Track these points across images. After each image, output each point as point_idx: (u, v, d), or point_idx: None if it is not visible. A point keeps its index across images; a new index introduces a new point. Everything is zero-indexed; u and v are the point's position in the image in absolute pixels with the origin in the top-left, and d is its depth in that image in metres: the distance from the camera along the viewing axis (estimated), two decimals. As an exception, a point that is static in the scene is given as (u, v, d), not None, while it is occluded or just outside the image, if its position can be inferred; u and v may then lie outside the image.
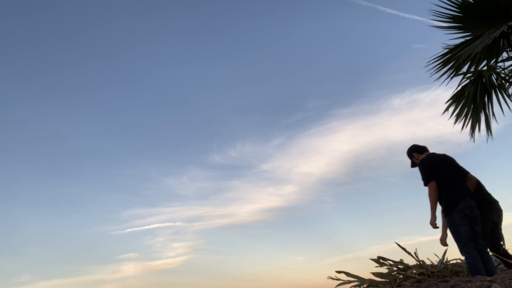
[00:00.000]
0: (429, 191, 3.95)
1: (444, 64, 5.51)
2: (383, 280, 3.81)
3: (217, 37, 16.12)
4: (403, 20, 13.05)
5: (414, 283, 3.59)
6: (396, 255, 4.21)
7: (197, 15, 15.59)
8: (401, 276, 3.79)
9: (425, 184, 4.02)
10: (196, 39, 15.74)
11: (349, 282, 3.88)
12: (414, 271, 3.89)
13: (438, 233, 4.14)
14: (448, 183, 3.98)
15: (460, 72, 5.66)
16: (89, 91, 15.60)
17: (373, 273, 3.88)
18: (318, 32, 15.70)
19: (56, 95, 15.23)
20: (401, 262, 4.06)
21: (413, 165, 4.46)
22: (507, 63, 5.69)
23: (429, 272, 3.86)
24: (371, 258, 4.16)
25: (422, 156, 4.29)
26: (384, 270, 4.03)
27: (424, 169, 4.07)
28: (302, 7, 15.53)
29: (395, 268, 3.96)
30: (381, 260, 4.09)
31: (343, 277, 3.92)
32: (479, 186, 4.22)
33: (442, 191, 3.98)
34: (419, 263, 4.09)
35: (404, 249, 4.16)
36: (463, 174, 4.17)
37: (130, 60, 15.74)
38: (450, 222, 3.91)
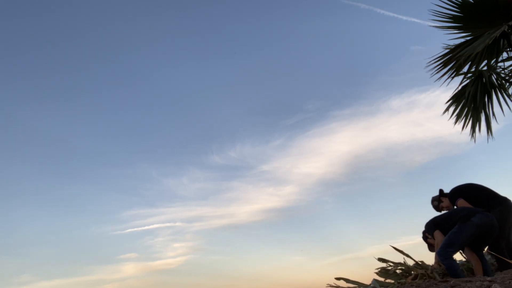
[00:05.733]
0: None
1: (445, 64, 5.50)
2: (388, 281, 3.74)
3: (217, 38, 16.14)
4: (401, 22, 13.08)
5: (415, 282, 3.58)
6: (395, 256, 4.16)
7: (196, 16, 15.61)
8: (406, 274, 3.77)
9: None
10: (196, 40, 15.76)
11: None
12: (414, 272, 3.87)
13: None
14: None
15: (461, 72, 5.66)
16: (90, 92, 15.63)
17: (377, 273, 3.83)
18: (318, 33, 15.74)
19: (56, 96, 15.26)
20: (402, 263, 4.03)
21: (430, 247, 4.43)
22: (507, 63, 5.71)
23: (429, 272, 3.85)
24: (378, 257, 4.04)
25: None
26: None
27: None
28: (301, 8, 15.56)
29: (398, 268, 3.94)
30: (382, 262, 4.05)
31: (343, 284, 3.78)
32: None
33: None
34: (419, 263, 4.08)
35: (401, 251, 4.09)
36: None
37: (130, 61, 15.77)
38: (459, 229, 3.89)
